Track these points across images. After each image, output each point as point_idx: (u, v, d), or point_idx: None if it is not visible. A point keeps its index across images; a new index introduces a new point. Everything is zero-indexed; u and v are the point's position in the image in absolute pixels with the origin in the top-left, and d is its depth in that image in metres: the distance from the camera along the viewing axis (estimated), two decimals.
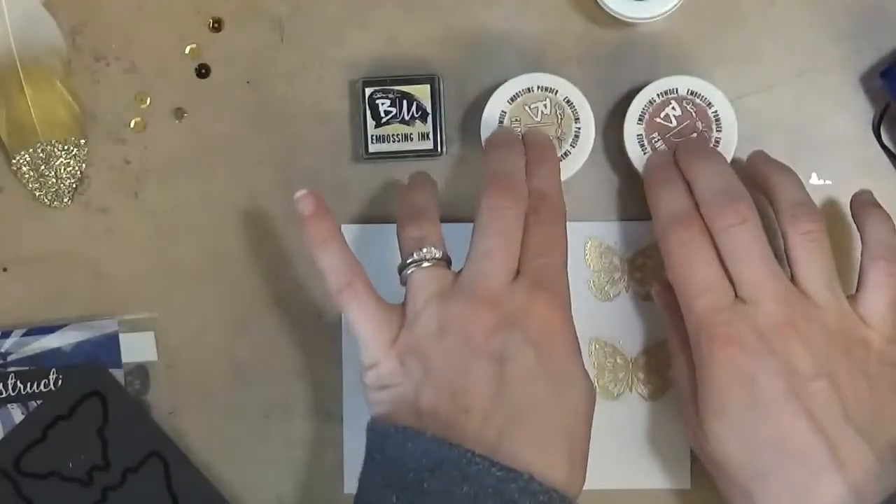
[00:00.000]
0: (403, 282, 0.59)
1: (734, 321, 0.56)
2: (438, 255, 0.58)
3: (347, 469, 0.67)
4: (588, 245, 0.66)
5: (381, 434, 0.55)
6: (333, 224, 0.59)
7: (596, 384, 0.66)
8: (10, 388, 0.66)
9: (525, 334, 0.55)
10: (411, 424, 0.54)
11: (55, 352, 0.66)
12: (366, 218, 0.67)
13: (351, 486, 0.67)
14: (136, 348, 0.67)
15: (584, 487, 0.65)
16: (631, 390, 0.66)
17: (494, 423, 0.54)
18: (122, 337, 0.67)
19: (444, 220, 0.66)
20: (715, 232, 0.57)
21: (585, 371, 0.57)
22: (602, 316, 0.66)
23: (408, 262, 0.58)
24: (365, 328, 0.57)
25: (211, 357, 0.68)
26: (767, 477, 0.55)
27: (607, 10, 0.64)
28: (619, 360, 0.66)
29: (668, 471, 0.66)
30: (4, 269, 0.68)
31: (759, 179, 0.61)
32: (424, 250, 0.58)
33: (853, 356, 0.56)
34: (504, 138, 0.62)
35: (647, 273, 0.66)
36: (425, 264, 0.58)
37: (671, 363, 0.63)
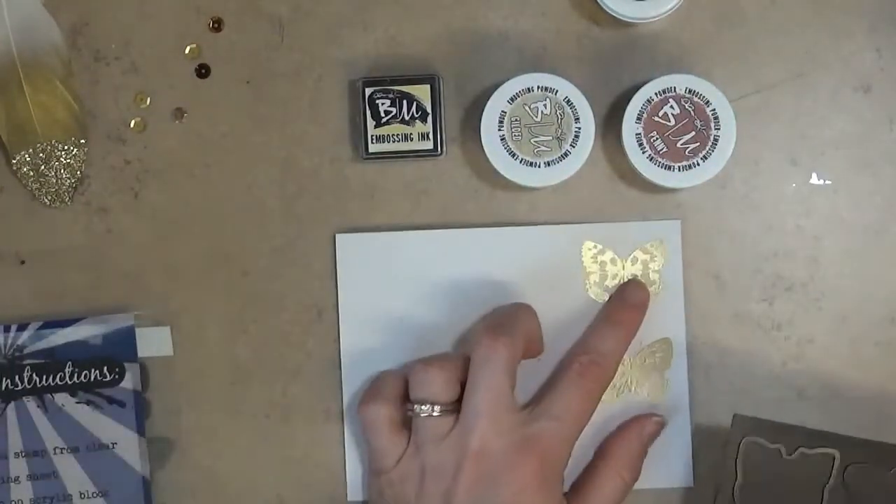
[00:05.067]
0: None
1: None
2: (437, 410, 0.60)
3: (349, 469, 0.67)
4: (584, 246, 0.66)
5: None
6: None
7: None
8: (25, 380, 0.66)
9: (501, 498, 0.58)
10: None
11: (71, 345, 0.66)
12: (366, 218, 0.67)
13: (353, 486, 0.67)
14: (153, 343, 0.67)
15: None
16: (630, 390, 0.66)
17: None
18: (138, 331, 0.67)
19: (442, 222, 0.66)
20: None
21: None
22: None
23: (412, 406, 0.61)
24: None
25: (211, 357, 0.68)
26: None
27: (607, 10, 0.64)
28: None
29: (670, 469, 0.66)
30: (4, 269, 0.68)
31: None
32: (425, 407, 0.60)
33: None
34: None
35: (643, 273, 0.66)
36: (423, 414, 0.60)
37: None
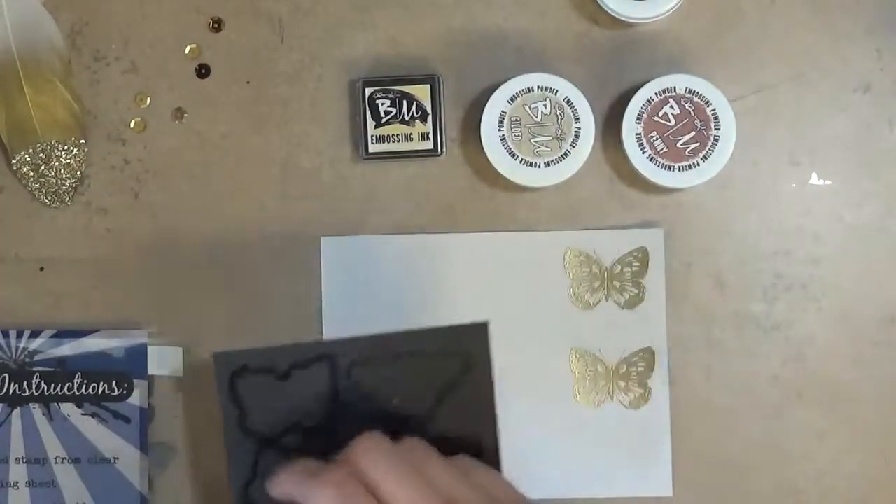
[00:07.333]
0: None
1: None
2: None
3: None
4: (567, 254, 0.66)
5: None
6: None
7: (577, 393, 0.66)
8: (33, 387, 0.66)
9: None
10: None
11: (82, 356, 0.66)
12: (365, 218, 0.67)
13: None
14: (164, 361, 0.67)
15: (567, 496, 0.66)
16: (612, 399, 0.66)
17: None
18: (150, 349, 0.67)
19: (442, 222, 0.66)
20: None
21: None
22: (582, 325, 0.66)
23: None
24: None
25: (211, 357, 0.67)
26: None
27: (607, 10, 0.64)
28: (599, 369, 0.66)
29: (649, 478, 0.66)
30: (4, 269, 0.68)
31: None
32: None
33: None
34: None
35: (625, 281, 0.66)
36: None
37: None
